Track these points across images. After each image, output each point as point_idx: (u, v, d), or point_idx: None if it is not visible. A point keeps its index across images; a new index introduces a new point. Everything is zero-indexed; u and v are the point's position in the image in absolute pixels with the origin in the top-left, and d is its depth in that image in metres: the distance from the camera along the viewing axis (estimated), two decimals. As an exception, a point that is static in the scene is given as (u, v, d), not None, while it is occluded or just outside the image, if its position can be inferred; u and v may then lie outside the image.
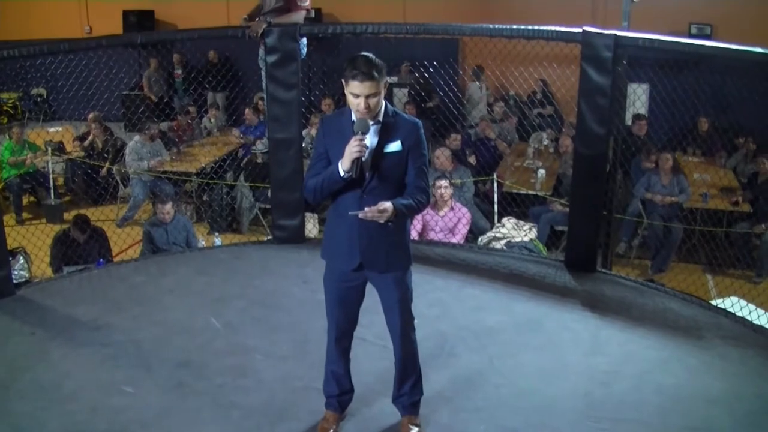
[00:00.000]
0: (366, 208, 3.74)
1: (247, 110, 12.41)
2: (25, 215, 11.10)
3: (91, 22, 17.01)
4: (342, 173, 3.76)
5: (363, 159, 3.78)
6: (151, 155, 10.84)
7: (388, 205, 3.75)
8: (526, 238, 8.26)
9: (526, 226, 8.61)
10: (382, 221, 3.78)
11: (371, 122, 3.83)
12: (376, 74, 3.70)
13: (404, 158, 3.90)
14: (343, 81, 3.78)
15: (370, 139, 3.85)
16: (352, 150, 3.71)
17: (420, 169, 3.94)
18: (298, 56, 6.70)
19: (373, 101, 3.74)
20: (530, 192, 9.85)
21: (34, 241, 8.23)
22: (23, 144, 11.40)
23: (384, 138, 3.86)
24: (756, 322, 5.77)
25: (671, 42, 5.96)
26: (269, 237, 7.62)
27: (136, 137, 11.12)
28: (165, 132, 12.30)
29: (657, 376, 4.94)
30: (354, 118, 3.82)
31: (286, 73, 6.72)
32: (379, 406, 4.49)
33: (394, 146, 3.87)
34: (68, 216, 9.99)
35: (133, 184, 10.89)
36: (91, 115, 12.17)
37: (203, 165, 11.17)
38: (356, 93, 3.73)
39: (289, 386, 4.78)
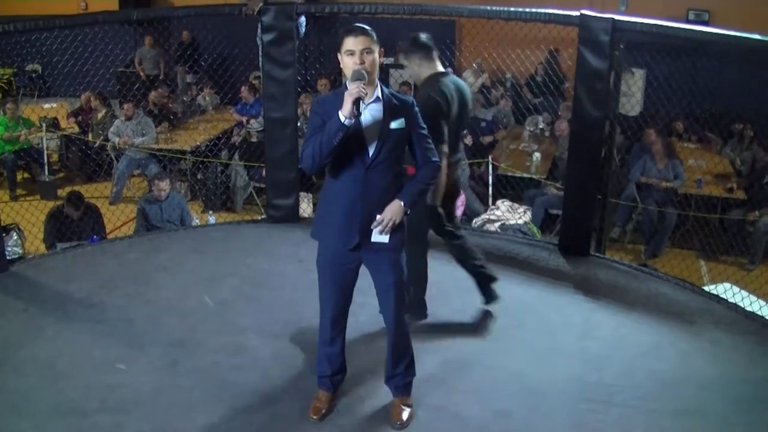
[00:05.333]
0: (379, 218, 3.89)
1: (243, 89, 12.37)
2: (19, 191, 11.09)
3: (86, -2, 16.89)
4: (342, 119, 3.69)
5: (362, 102, 3.74)
6: (135, 133, 10.81)
7: (396, 207, 3.90)
8: (520, 221, 8.28)
9: (521, 209, 8.62)
10: (399, 221, 3.91)
11: (372, 98, 3.83)
12: (370, 32, 3.75)
13: (407, 135, 3.93)
14: (338, 53, 3.79)
15: (373, 115, 3.85)
16: (352, 91, 3.66)
17: (426, 145, 4.01)
18: (294, 35, 6.68)
19: (368, 57, 3.74)
20: (525, 175, 9.85)
21: (28, 218, 8.22)
22: (18, 120, 11.34)
23: (388, 115, 3.86)
24: (748, 308, 5.79)
25: (669, 27, 5.94)
26: (263, 216, 7.61)
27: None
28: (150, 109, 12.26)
29: (649, 360, 4.96)
30: None
31: (282, 51, 6.69)
32: (371, 387, 4.50)
33: (399, 123, 3.88)
34: (62, 192, 10.00)
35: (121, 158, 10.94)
36: (84, 96, 12.20)
37: (198, 143, 11.14)
38: (351, 49, 3.73)
39: (282, 365, 4.78)
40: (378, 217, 3.88)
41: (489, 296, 5.46)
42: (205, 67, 13.52)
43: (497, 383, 4.67)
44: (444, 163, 4.69)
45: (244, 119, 11.93)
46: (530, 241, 7.22)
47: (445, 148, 4.78)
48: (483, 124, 11.58)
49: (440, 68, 5.07)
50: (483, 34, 8.08)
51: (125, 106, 11.10)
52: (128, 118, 10.92)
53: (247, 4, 6.62)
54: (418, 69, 5.05)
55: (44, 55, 14.59)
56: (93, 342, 5.02)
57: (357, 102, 3.69)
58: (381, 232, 3.91)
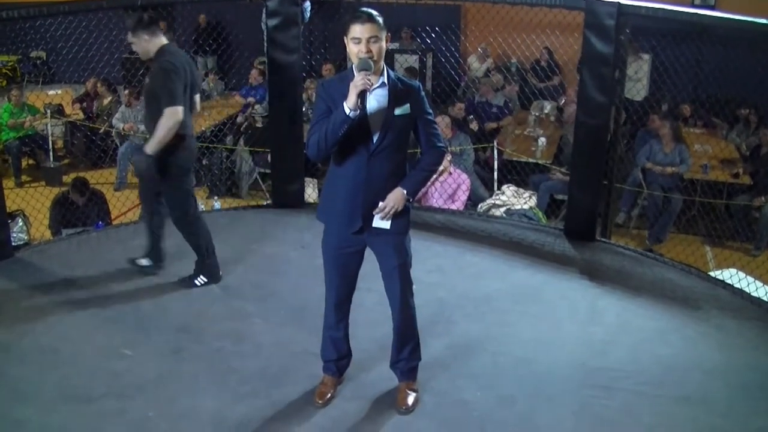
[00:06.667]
0: (381, 205, 3.88)
1: (253, 71, 12.37)
2: (24, 178, 11.09)
3: (91, -17, 16.83)
4: (347, 111, 3.67)
5: (368, 93, 3.72)
6: (138, 119, 10.81)
7: (398, 195, 3.89)
8: (525, 206, 8.26)
9: (526, 194, 8.60)
10: (401, 208, 3.90)
11: (377, 84, 3.79)
12: (377, 19, 3.69)
13: (412, 120, 3.91)
14: (344, 37, 3.75)
15: (378, 101, 3.83)
16: (357, 83, 3.63)
17: (432, 131, 3.99)
18: (299, 20, 6.66)
19: (375, 46, 3.70)
20: (531, 160, 9.82)
21: (33, 204, 8.21)
22: (22, 107, 11.34)
23: (393, 101, 3.84)
24: (754, 294, 5.78)
25: (674, 11, 5.91)
26: (268, 201, 7.60)
27: None
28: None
29: (654, 345, 4.96)
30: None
31: (286, 37, 6.67)
32: (377, 371, 4.50)
33: (404, 109, 3.85)
34: (67, 179, 9.98)
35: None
36: (89, 82, 12.17)
37: (203, 129, 11.12)
38: (357, 37, 3.68)
39: (287, 351, 4.79)
40: (380, 204, 3.87)
41: (157, 257, 5.80)
42: (210, 52, 13.49)
43: (502, 368, 4.67)
44: (179, 117, 5.13)
45: (250, 100, 11.94)
46: (535, 226, 7.22)
47: (181, 113, 5.13)
48: (494, 109, 11.55)
49: (165, 41, 5.39)
50: (488, 19, 8.05)
51: (125, 93, 11.09)
52: (128, 105, 10.92)
53: (251, -11, 6.62)
54: (146, 45, 5.33)
55: (49, 42, 14.55)
56: (98, 328, 5.03)
57: (362, 94, 3.68)
58: (382, 219, 3.90)
